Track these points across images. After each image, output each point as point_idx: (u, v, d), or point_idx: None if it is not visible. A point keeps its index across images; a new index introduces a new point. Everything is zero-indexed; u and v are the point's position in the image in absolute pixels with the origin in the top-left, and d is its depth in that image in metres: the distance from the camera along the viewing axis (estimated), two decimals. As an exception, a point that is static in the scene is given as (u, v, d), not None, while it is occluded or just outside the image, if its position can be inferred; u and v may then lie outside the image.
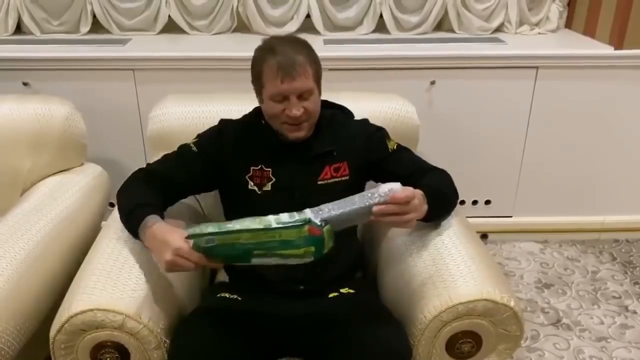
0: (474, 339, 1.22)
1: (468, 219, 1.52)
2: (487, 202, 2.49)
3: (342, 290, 1.37)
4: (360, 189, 1.44)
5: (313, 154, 1.38)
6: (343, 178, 1.40)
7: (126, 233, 1.36)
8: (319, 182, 1.38)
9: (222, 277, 1.54)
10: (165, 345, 1.19)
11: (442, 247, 1.33)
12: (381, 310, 1.31)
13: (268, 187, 1.37)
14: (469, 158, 2.39)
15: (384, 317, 1.27)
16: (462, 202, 2.47)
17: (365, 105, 1.70)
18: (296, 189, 1.36)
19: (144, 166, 1.44)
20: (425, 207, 1.26)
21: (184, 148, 1.43)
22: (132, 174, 1.39)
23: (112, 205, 2.13)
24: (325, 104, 1.47)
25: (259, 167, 1.38)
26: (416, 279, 1.30)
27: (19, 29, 2.44)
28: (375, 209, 1.13)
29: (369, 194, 1.15)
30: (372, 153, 1.42)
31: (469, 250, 1.31)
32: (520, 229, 2.53)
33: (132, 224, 1.25)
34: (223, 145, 1.40)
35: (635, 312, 2.10)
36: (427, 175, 1.38)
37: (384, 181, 1.46)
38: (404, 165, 1.43)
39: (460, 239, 1.35)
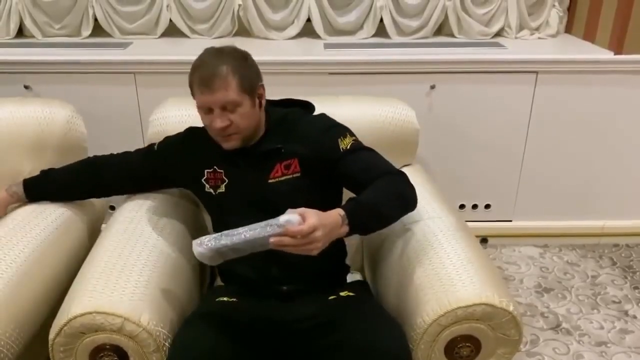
0: (472, 343, 1.22)
1: (468, 223, 1.52)
2: (487, 206, 2.49)
3: (341, 294, 1.37)
4: (314, 186, 1.39)
5: (260, 152, 1.38)
6: (294, 175, 1.38)
7: (125, 236, 1.38)
8: (270, 181, 1.37)
9: (221, 281, 1.55)
10: (165, 348, 1.19)
11: (441, 251, 1.33)
12: (380, 314, 1.31)
13: (222, 188, 1.41)
14: (469, 162, 2.39)
15: (383, 321, 1.27)
16: (462, 206, 2.48)
17: (365, 109, 1.70)
18: (248, 189, 1.38)
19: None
20: (344, 229, 1.18)
21: (149, 146, 1.55)
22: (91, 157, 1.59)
23: (112, 208, 2.14)
24: (286, 102, 1.48)
25: (212, 169, 1.42)
26: (415, 282, 1.30)
27: (20, 32, 2.45)
28: (271, 239, 1.09)
29: (266, 224, 1.10)
30: (323, 151, 1.36)
31: (468, 254, 1.31)
32: (520, 233, 2.53)
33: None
34: (182, 151, 1.47)
35: (635, 317, 2.10)
36: (373, 184, 1.29)
37: (339, 182, 1.43)
38: (353, 168, 1.35)
39: (459, 242, 1.35)
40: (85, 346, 1.16)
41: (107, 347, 1.16)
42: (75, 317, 1.14)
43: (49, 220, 1.52)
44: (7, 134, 1.68)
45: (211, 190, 1.42)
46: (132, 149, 1.58)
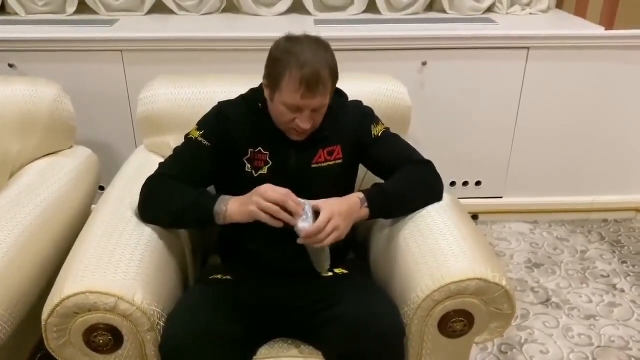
0: (466, 317, 1.23)
1: (459, 200, 1.52)
2: (478, 183, 2.50)
3: (336, 271, 1.38)
4: (353, 172, 1.48)
5: (308, 139, 1.37)
6: (337, 162, 1.40)
7: (117, 216, 1.36)
8: (313, 166, 1.38)
9: (215, 259, 1.54)
10: (159, 327, 1.19)
11: (435, 227, 1.33)
12: (374, 290, 1.31)
13: (264, 170, 1.37)
14: (460, 139, 2.39)
15: (377, 297, 1.27)
16: (453, 184, 2.48)
17: (357, 86, 1.68)
18: (291, 173, 1.36)
19: (158, 171, 1.37)
20: (364, 211, 1.30)
21: (194, 145, 1.37)
22: (152, 181, 1.34)
23: (102, 188, 2.11)
24: None
25: (257, 149, 1.37)
26: (409, 258, 1.30)
27: (3, 9, 2.40)
28: (300, 241, 1.22)
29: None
30: (360, 139, 1.43)
31: (461, 230, 1.32)
32: (511, 209, 2.55)
33: (201, 212, 1.27)
34: (224, 128, 1.38)
35: (623, 291, 2.13)
36: (400, 171, 1.37)
37: (369, 168, 1.50)
38: (383, 155, 1.42)
39: (452, 218, 1.36)
40: (79, 326, 1.15)
41: (101, 326, 1.15)
42: (68, 297, 1.13)
43: (38, 200, 1.50)
44: (-7, 114, 1.65)
45: (252, 171, 1.36)
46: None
